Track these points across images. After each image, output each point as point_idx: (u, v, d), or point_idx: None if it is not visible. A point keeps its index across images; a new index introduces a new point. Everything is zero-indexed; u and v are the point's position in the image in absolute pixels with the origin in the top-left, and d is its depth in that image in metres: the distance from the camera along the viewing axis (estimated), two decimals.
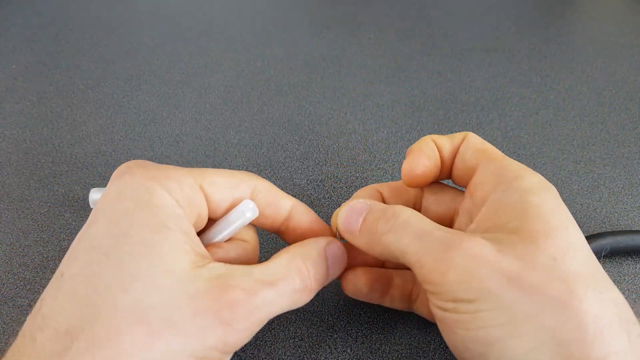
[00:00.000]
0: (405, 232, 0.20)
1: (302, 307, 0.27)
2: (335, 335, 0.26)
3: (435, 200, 0.25)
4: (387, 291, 0.24)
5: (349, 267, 0.24)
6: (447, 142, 0.24)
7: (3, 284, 0.28)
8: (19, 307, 0.27)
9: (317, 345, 0.26)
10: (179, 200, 0.20)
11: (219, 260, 0.20)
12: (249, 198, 0.23)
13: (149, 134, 0.39)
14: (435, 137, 0.24)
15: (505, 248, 0.18)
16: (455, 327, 0.19)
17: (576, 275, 0.17)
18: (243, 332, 0.19)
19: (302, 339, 0.26)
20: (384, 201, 0.25)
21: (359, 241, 0.22)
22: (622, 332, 0.17)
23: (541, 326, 0.17)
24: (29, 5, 0.57)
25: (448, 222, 0.25)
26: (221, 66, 0.47)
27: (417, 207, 0.25)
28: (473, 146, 0.23)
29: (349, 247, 0.23)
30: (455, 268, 0.18)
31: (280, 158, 0.37)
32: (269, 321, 0.26)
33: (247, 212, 0.22)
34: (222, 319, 0.18)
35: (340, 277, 0.24)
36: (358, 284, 0.24)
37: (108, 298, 0.17)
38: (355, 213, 0.22)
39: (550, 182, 0.22)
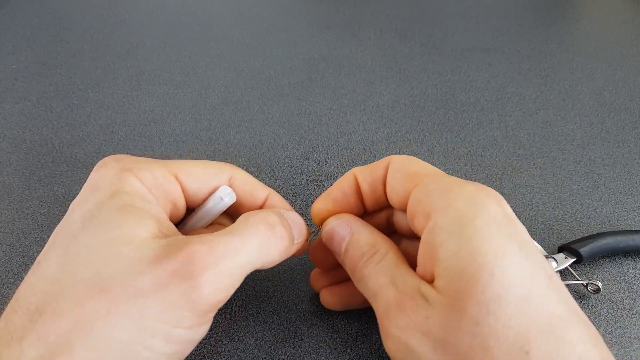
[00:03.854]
0: (374, 280, 0.21)
1: (302, 308, 0.27)
2: (335, 335, 0.26)
3: (399, 214, 0.24)
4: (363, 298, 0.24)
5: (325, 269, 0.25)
6: (367, 176, 0.23)
7: (3, 284, 0.28)
8: None
9: (317, 345, 0.26)
10: (151, 189, 0.21)
11: None
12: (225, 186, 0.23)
13: (149, 134, 0.39)
14: (357, 170, 0.23)
15: (434, 313, 0.18)
16: None
17: (499, 341, 0.16)
18: (209, 286, 0.18)
19: (302, 339, 0.26)
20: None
21: (343, 263, 0.23)
22: None
23: None
24: (29, 5, 0.57)
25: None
26: (221, 66, 0.47)
27: (389, 220, 0.24)
28: (401, 173, 0.21)
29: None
30: (391, 338, 0.19)
31: (280, 158, 0.37)
32: (269, 321, 0.26)
33: (225, 198, 0.22)
34: (182, 274, 0.17)
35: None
36: (330, 303, 0.26)
37: (72, 273, 0.18)
38: (338, 237, 0.23)
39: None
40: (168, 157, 0.37)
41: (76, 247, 0.18)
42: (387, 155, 0.37)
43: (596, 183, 0.35)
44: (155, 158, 0.37)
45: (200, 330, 0.20)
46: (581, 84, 0.46)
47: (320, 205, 0.24)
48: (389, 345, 0.19)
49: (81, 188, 0.34)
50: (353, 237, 0.22)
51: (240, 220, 0.21)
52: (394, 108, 0.42)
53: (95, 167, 0.21)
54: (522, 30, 0.55)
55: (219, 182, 0.23)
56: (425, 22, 0.56)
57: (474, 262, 0.17)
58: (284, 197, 0.25)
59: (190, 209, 0.24)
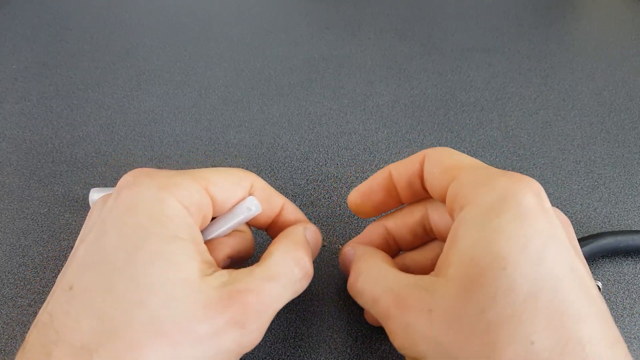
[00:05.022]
0: (368, 292, 0.21)
1: (302, 308, 0.27)
2: (335, 335, 0.26)
3: (439, 217, 0.24)
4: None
5: None
6: (402, 172, 0.23)
7: (3, 284, 0.28)
8: (19, 307, 0.27)
9: (317, 345, 0.26)
10: (189, 207, 0.20)
11: (229, 254, 0.23)
12: (248, 195, 0.24)
13: (149, 134, 0.39)
14: (392, 167, 0.24)
15: (438, 303, 0.18)
16: None
17: (503, 329, 0.16)
18: (256, 331, 0.19)
19: (302, 339, 0.26)
20: (390, 233, 0.25)
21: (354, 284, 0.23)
22: None
23: None
24: (29, 5, 0.57)
25: None
26: (221, 66, 0.47)
27: (426, 225, 0.25)
28: (437, 168, 0.21)
29: None
30: (396, 335, 0.19)
31: (280, 158, 0.37)
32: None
33: (252, 208, 0.23)
34: (236, 323, 0.18)
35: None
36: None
37: (125, 312, 0.17)
38: (347, 260, 0.25)
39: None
40: (168, 157, 0.37)
41: (125, 282, 0.17)
42: (387, 155, 0.37)
43: (596, 183, 0.35)
44: (155, 158, 0.37)
45: None
46: (581, 84, 0.46)
47: (353, 200, 0.25)
48: (398, 344, 0.19)
49: (81, 188, 0.34)
50: (355, 255, 0.24)
51: (279, 260, 0.21)
52: (394, 108, 0.42)
53: (122, 182, 0.20)
54: (522, 30, 0.55)
55: (242, 190, 0.23)
56: (425, 22, 0.56)
57: (489, 253, 0.17)
58: (291, 202, 0.26)
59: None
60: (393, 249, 0.26)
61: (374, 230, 0.26)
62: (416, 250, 0.26)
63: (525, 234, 0.17)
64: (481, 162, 0.21)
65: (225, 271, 0.20)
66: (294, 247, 0.22)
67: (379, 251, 0.24)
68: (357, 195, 0.25)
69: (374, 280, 0.21)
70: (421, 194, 0.24)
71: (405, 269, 0.24)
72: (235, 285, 0.19)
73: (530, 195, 0.18)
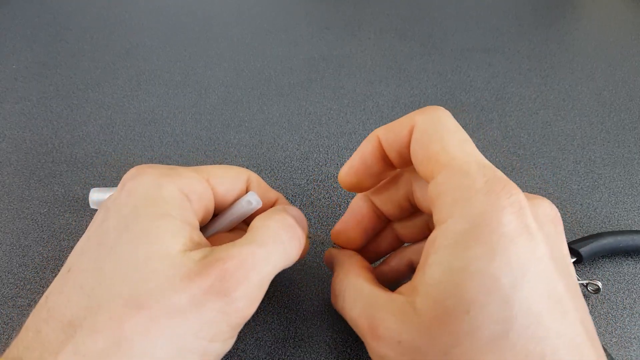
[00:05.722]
0: (347, 314, 0.21)
1: (302, 307, 0.27)
2: (335, 336, 0.26)
3: (422, 197, 0.22)
4: None
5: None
6: (392, 141, 0.21)
7: (3, 284, 0.28)
8: (19, 307, 0.27)
9: (317, 345, 0.26)
10: (189, 195, 0.21)
11: None
12: (246, 188, 0.24)
13: (149, 134, 0.39)
14: (381, 134, 0.21)
15: (405, 341, 0.17)
16: None
17: None
18: (242, 299, 0.19)
19: (302, 338, 0.26)
20: (377, 207, 0.24)
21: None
22: None
23: None
24: (29, 5, 0.57)
25: None
26: (221, 66, 0.47)
27: (411, 200, 0.24)
28: (422, 153, 0.19)
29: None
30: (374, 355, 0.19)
31: (280, 158, 0.37)
32: (269, 321, 0.26)
33: (253, 202, 0.23)
34: (218, 291, 0.18)
35: None
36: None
37: (109, 288, 0.17)
38: (329, 265, 0.25)
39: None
40: (168, 157, 0.37)
41: (112, 261, 0.18)
42: None
43: (596, 183, 0.35)
44: (155, 158, 0.37)
45: (231, 342, 0.20)
46: (581, 84, 0.46)
47: (343, 178, 0.23)
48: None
49: (81, 188, 0.34)
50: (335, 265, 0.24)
51: (258, 226, 0.21)
52: (394, 108, 0.42)
53: (128, 175, 0.21)
54: (522, 30, 0.55)
55: (241, 183, 0.24)
56: (425, 22, 0.56)
57: (453, 295, 0.16)
58: (284, 197, 0.26)
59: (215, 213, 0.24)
60: (383, 220, 0.25)
61: (362, 205, 0.24)
62: (407, 219, 0.25)
63: (494, 273, 0.16)
64: (467, 151, 0.19)
65: (210, 247, 0.20)
66: (276, 213, 0.22)
67: (356, 259, 0.23)
68: (352, 173, 0.23)
69: (351, 301, 0.21)
70: (410, 162, 0.22)
71: (397, 238, 0.25)
72: (215, 254, 0.19)
73: (508, 217, 0.16)
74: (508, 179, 0.18)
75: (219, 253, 0.19)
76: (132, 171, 0.21)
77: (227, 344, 0.20)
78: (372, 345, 0.19)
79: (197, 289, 0.18)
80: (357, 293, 0.21)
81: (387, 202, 0.24)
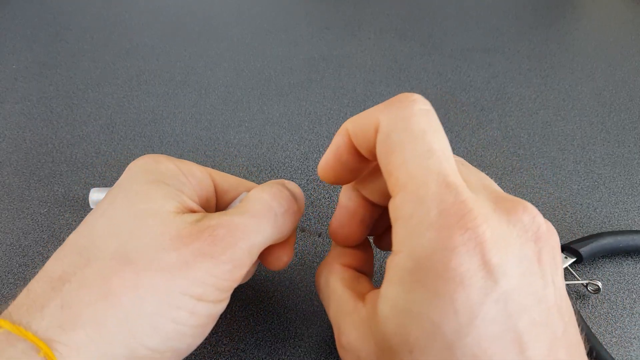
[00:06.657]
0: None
1: (302, 308, 0.27)
2: None
3: None
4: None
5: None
6: (360, 139, 0.19)
7: (3, 284, 0.28)
8: None
9: (317, 345, 0.26)
10: (187, 175, 0.21)
11: None
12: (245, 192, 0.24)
13: (149, 134, 0.39)
14: (350, 127, 0.20)
15: (365, 359, 0.18)
16: None
17: None
18: (229, 263, 0.19)
19: (302, 339, 0.26)
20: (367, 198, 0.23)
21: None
22: None
23: None
24: (29, 5, 0.57)
25: None
26: (221, 66, 0.47)
27: None
28: (383, 157, 0.18)
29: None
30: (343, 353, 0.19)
31: (280, 158, 0.37)
32: (269, 321, 0.26)
33: None
34: (205, 254, 0.18)
35: None
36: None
37: (99, 245, 0.18)
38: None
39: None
40: None
41: (104, 220, 0.19)
42: None
43: (596, 183, 0.35)
44: None
45: (221, 305, 0.20)
46: (581, 84, 0.46)
47: (321, 174, 0.22)
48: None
49: (81, 188, 0.34)
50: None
51: (253, 197, 0.21)
52: None
53: (132, 162, 0.22)
54: (522, 30, 0.55)
55: (239, 182, 0.24)
56: (425, 22, 0.56)
57: (398, 335, 0.16)
58: None
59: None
60: (377, 206, 0.23)
61: (350, 197, 0.23)
62: None
63: (434, 320, 0.15)
64: (429, 166, 0.16)
65: (203, 213, 0.20)
66: (273, 186, 0.22)
67: (338, 252, 0.23)
68: (328, 168, 0.21)
69: (327, 299, 0.21)
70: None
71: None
72: (206, 221, 0.19)
73: (459, 260, 0.15)
74: (470, 206, 0.16)
75: (211, 220, 0.19)
76: (135, 160, 0.22)
77: (218, 307, 0.20)
78: (339, 350, 0.19)
79: (185, 249, 0.18)
80: (331, 292, 0.21)
81: (374, 191, 0.22)
